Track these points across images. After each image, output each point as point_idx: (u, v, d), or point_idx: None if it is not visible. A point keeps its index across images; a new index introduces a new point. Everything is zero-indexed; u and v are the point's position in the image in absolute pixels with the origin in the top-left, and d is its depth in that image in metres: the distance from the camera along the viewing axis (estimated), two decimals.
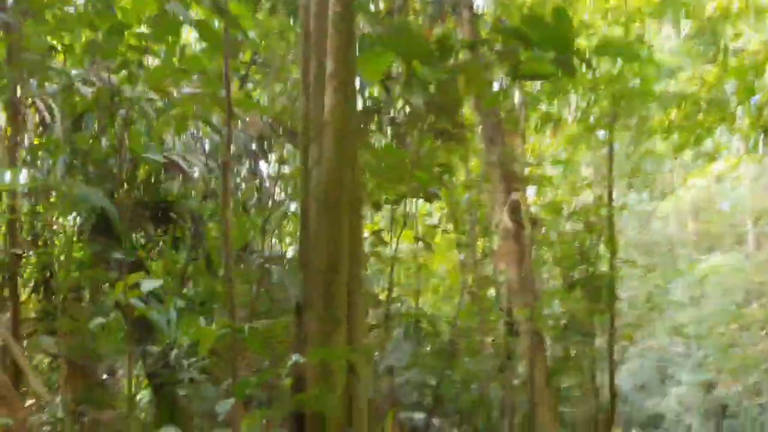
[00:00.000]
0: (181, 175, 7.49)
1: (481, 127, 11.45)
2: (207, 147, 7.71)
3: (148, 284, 3.67)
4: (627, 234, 30.22)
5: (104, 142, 6.32)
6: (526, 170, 12.75)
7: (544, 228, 16.02)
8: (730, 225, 37.62)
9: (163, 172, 7.44)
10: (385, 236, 12.27)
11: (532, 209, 13.17)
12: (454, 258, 17.72)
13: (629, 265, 23.35)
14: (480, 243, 16.77)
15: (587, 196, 16.26)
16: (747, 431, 28.37)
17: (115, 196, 7.64)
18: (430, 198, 8.08)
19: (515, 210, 10.71)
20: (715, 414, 31.00)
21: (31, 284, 8.62)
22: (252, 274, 5.58)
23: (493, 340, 13.85)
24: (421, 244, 16.96)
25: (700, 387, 32.17)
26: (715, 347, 31.23)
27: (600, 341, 17.69)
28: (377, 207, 8.16)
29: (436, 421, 8.92)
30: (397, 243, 8.50)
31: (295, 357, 3.33)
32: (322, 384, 4.25)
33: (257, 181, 6.61)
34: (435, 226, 16.09)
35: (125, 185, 7.29)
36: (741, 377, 28.66)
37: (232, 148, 6.72)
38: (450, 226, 16.02)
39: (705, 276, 32.42)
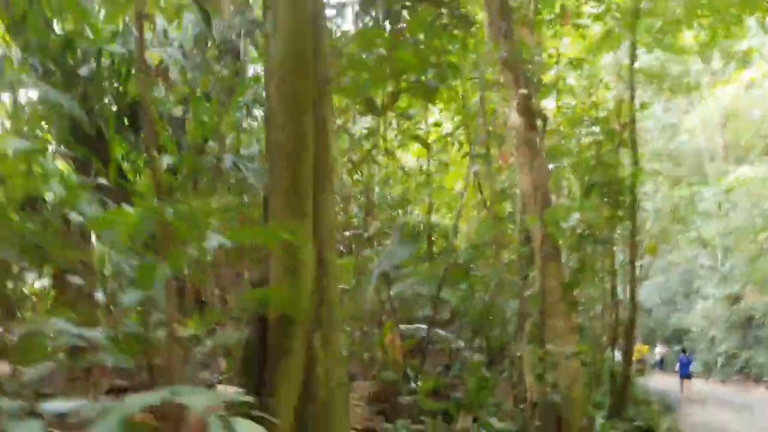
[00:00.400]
0: (156, 76, 6.86)
1: (489, 17, 10.48)
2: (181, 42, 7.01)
3: (12, 143, 3.10)
4: (652, 146, 29.24)
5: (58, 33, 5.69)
6: (539, 69, 11.83)
7: (563, 140, 15.22)
8: (760, 135, 36.23)
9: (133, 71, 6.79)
10: (391, 145, 11.67)
11: (544, 108, 12.26)
12: (468, 173, 17.04)
13: (654, 174, 22.49)
14: (494, 153, 16.06)
15: (609, 105, 15.34)
16: None
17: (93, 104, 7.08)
18: (429, 94, 7.36)
19: (525, 106, 9.90)
20: (741, 326, 30.68)
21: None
22: (206, 166, 5.01)
23: (509, 253, 13.39)
24: (433, 160, 16.34)
25: (725, 300, 31.80)
26: (742, 259, 30.65)
27: (622, 254, 17.17)
28: (371, 106, 7.50)
29: (446, 333, 8.53)
30: (384, 140, 7.82)
31: (216, 239, 2.74)
32: (288, 281, 3.76)
33: (226, 67, 5.93)
34: (448, 135, 15.32)
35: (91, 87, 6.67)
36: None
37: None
38: (462, 137, 15.27)
39: (733, 188, 31.52)
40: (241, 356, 3.78)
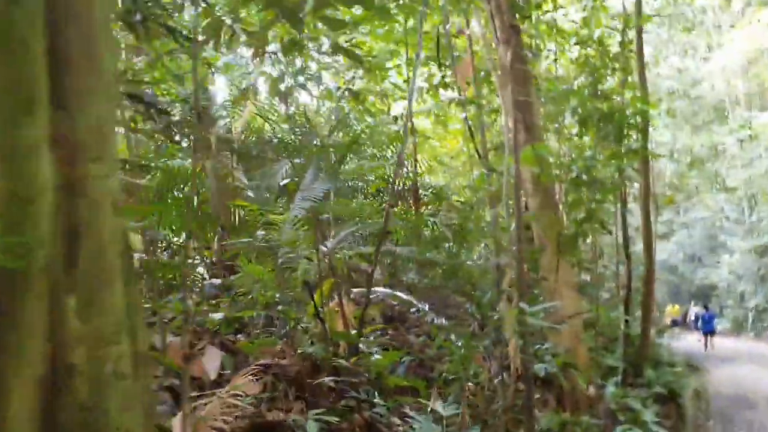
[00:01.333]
0: None
1: None
2: None
3: None
4: (668, 89, 27.36)
5: None
6: None
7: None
8: None
9: None
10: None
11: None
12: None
13: (668, 114, 20.61)
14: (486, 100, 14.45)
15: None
16: None
17: None
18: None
19: (507, 30, 8.31)
20: None
21: None
22: None
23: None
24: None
25: (753, 253, 29.91)
26: None
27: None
28: (292, 17, 5.98)
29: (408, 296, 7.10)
30: None
31: None
32: (10, 210, 2.32)
33: None
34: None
35: None
36: None
37: None
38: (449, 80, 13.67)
39: (756, 135, 29.59)
40: None
